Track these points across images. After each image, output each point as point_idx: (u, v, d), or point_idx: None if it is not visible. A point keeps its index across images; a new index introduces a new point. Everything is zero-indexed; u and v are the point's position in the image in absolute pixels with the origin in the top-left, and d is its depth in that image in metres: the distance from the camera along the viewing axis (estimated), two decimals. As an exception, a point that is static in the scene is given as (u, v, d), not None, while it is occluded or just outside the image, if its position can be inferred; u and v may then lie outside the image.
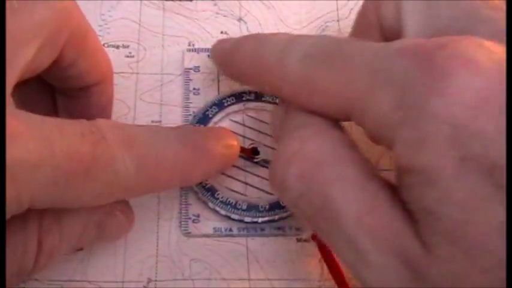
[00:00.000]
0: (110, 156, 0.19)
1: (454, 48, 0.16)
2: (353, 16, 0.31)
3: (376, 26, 0.23)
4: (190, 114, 0.28)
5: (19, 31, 0.19)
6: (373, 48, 0.19)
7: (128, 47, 0.30)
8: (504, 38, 0.18)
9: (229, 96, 0.28)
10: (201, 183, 0.26)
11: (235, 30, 0.31)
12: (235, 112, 0.28)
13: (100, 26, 0.30)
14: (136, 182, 0.20)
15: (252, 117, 0.28)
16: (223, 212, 0.25)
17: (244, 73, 0.24)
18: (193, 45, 0.30)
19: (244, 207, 0.25)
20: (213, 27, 0.31)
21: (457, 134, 0.15)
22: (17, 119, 0.17)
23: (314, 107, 0.20)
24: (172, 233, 0.26)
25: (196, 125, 0.27)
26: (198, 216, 0.26)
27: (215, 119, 0.28)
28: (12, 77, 0.19)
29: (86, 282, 0.24)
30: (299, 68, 0.20)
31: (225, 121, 0.28)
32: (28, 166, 0.17)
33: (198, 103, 0.28)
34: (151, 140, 0.21)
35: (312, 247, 0.26)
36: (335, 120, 0.20)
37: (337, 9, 0.32)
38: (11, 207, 0.17)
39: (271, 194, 0.26)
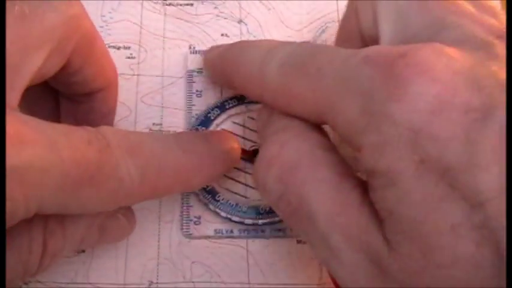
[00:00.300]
0: (115, 164, 0.19)
1: (412, 56, 0.17)
2: None
3: (357, 33, 0.24)
4: (192, 116, 0.28)
5: (29, 37, 0.20)
6: (343, 55, 0.19)
7: (128, 48, 0.30)
8: (468, 43, 0.18)
9: (231, 99, 0.28)
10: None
11: (236, 32, 0.31)
12: (237, 114, 0.28)
13: (101, 27, 0.30)
14: (139, 189, 0.20)
15: (253, 119, 0.28)
16: (223, 214, 0.26)
17: (230, 80, 0.25)
18: (194, 47, 0.30)
19: (245, 209, 0.26)
20: (213, 30, 0.31)
21: (414, 138, 0.16)
22: (26, 125, 0.18)
23: (292, 113, 0.21)
24: (174, 236, 0.26)
25: (199, 127, 0.27)
26: (199, 218, 0.26)
27: (217, 121, 0.28)
28: (22, 83, 0.20)
29: (88, 285, 0.24)
30: (277, 76, 0.21)
31: (227, 123, 0.28)
32: (37, 171, 0.17)
33: (201, 105, 0.28)
34: (154, 147, 0.21)
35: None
36: (314, 124, 0.21)
37: (338, 10, 0.32)
38: (19, 213, 0.17)
39: None
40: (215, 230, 0.26)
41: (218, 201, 0.26)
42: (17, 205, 0.17)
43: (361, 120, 0.18)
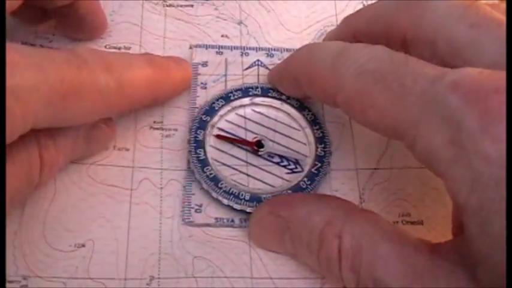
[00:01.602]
0: (94, 78, 0.22)
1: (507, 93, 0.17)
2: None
3: (383, 32, 0.24)
4: (196, 107, 0.28)
5: None
6: (429, 76, 0.19)
7: (129, 49, 0.30)
8: None
9: (236, 91, 0.29)
10: (205, 172, 0.26)
11: (236, 34, 0.31)
12: (242, 106, 0.29)
13: (102, 27, 0.30)
14: (117, 99, 0.23)
15: (257, 111, 0.29)
16: (225, 202, 0.25)
17: (298, 83, 0.26)
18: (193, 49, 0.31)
19: (247, 197, 0.25)
20: (213, 31, 0.31)
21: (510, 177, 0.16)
22: (16, 52, 0.20)
23: (366, 121, 0.22)
24: (175, 231, 0.25)
25: (203, 116, 0.28)
26: (201, 205, 0.26)
27: (221, 112, 0.28)
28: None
29: (89, 280, 0.24)
30: (354, 81, 0.21)
31: (231, 114, 0.28)
32: (29, 89, 0.19)
33: (205, 97, 0.29)
34: (126, 63, 0.24)
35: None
36: (352, 206, 0.23)
37: (336, 14, 0.33)
38: (18, 126, 0.20)
39: (273, 186, 0.27)
40: (216, 219, 0.26)
41: (221, 188, 0.26)
42: (15, 120, 0.19)
43: (447, 150, 0.18)
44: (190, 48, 0.31)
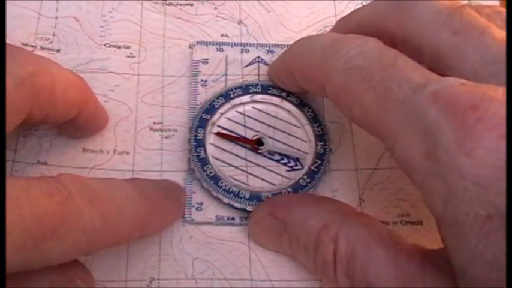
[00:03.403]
0: (78, 214, 0.19)
1: (485, 111, 0.17)
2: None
3: (373, 34, 0.23)
4: (197, 105, 0.28)
5: None
6: (413, 82, 0.19)
7: (129, 47, 0.30)
8: None
9: (236, 88, 0.29)
10: (205, 171, 0.26)
11: (236, 33, 0.31)
12: (242, 104, 0.29)
13: (101, 26, 0.30)
14: (101, 237, 0.20)
15: (257, 109, 0.29)
16: (226, 201, 0.26)
17: (292, 75, 0.26)
18: (193, 47, 0.30)
19: (247, 196, 0.26)
20: (213, 30, 0.31)
21: (483, 192, 0.16)
22: None
23: (351, 116, 0.22)
24: (175, 232, 0.26)
25: (203, 115, 0.27)
26: (201, 204, 0.26)
27: (221, 110, 0.28)
28: None
29: (89, 282, 0.24)
30: (342, 75, 0.21)
31: (231, 112, 0.28)
32: None
33: (205, 95, 0.29)
34: (114, 195, 0.21)
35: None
36: (348, 210, 0.24)
37: (336, 15, 0.33)
38: None
39: (273, 184, 0.27)
40: (216, 217, 0.26)
41: (221, 187, 0.26)
42: None
43: (423, 162, 0.18)
44: (190, 47, 0.30)
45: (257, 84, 0.29)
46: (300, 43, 0.26)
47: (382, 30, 0.24)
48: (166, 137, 0.28)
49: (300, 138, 0.28)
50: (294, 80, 0.26)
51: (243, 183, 0.27)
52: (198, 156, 0.26)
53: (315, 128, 0.28)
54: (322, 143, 0.27)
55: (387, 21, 0.24)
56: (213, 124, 0.28)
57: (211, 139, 0.27)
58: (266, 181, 0.27)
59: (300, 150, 0.28)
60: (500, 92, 0.17)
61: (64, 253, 0.19)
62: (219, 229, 0.26)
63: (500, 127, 0.17)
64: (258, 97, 0.28)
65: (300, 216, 0.23)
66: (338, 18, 0.32)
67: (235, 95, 0.28)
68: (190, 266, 0.25)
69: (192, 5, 0.32)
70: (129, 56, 0.30)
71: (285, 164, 0.27)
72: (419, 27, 0.22)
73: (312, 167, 0.27)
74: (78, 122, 0.26)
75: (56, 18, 0.30)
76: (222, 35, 0.31)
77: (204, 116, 0.28)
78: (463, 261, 0.17)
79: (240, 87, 0.29)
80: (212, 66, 0.30)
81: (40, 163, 0.27)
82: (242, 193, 0.26)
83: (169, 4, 0.32)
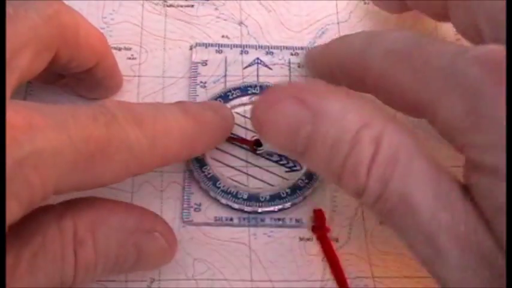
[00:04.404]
0: (124, 135, 0.20)
1: None
2: (353, 19, 0.32)
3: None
4: None
5: (14, 37, 0.20)
6: (452, 51, 0.20)
7: (130, 49, 0.30)
8: None
9: (234, 89, 0.29)
10: (203, 172, 0.26)
11: (237, 34, 0.31)
12: (241, 105, 0.29)
13: (102, 28, 0.30)
14: (149, 156, 0.21)
15: None
16: (224, 201, 0.26)
17: (330, 69, 0.26)
18: (197, 42, 0.30)
19: (245, 196, 0.26)
20: (214, 31, 0.31)
21: None
22: (33, 111, 0.18)
23: (391, 100, 0.22)
24: (176, 233, 0.25)
25: None
26: (200, 205, 0.26)
27: None
28: (11, 82, 0.20)
29: (91, 282, 0.24)
30: (381, 62, 0.22)
31: None
32: (50, 154, 0.18)
33: (205, 96, 0.29)
34: (158, 115, 0.21)
35: (315, 246, 0.26)
36: (391, 115, 0.21)
37: (337, 12, 0.32)
38: (37, 196, 0.18)
39: (272, 185, 0.27)
40: (215, 218, 0.26)
41: (219, 188, 0.26)
42: (34, 189, 0.17)
43: (467, 119, 0.18)
44: (191, 49, 0.30)
45: (256, 86, 0.29)
46: (338, 39, 0.26)
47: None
48: (167, 138, 0.28)
49: None
50: (333, 77, 0.26)
51: (242, 184, 0.27)
52: (196, 157, 0.26)
53: None
54: None
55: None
56: None
57: None
58: (265, 182, 0.27)
59: None
60: None
61: (114, 173, 0.20)
62: (220, 230, 0.26)
63: None
64: (257, 98, 0.28)
65: (336, 107, 0.20)
66: (339, 16, 0.32)
67: (234, 96, 0.28)
68: (190, 266, 0.25)
69: (192, 6, 0.32)
70: (129, 58, 0.30)
71: (283, 164, 0.27)
72: None
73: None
74: (98, 73, 0.26)
75: (57, 19, 0.30)
76: (222, 36, 0.31)
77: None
78: (500, 199, 0.17)
79: (239, 88, 0.29)
80: (211, 67, 0.30)
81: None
82: (240, 194, 0.26)
83: (170, 5, 0.32)
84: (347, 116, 0.19)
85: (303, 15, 0.32)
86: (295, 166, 0.27)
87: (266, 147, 0.27)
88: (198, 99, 0.29)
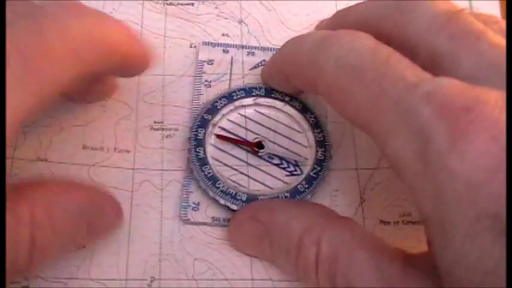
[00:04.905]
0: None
1: (478, 113, 0.17)
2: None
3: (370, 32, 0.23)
4: (199, 106, 0.28)
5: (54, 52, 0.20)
6: (406, 81, 0.19)
7: (129, 48, 0.30)
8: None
9: (239, 90, 0.28)
10: (203, 171, 0.26)
11: (237, 33, 0.31)
12: (244, 106, 0.28)
13: (102, 27, 0.30)
14: None
15: (259, 112, 0.28)
16: (222, 202, 0.25)
17: (285, 72, 0.26)
18: (194, 46, 0.30)
19: (244, 198, 0.25)
20: (214, 30, 0.31)
21: (473, 194, 0.16)
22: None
23: (344, 113, 0.22)
24: (176, 232, 0.26)
25: (205, 115, 0.27)
26: (198, 204, 0.26)
27: (223, 111, 0.28)
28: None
29: (90, 281, 0.24)
30: (334, 71, 0.21)
31: (233, 114, 0.28)
32: None
33: (208, 95, 0.29)
34: None
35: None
36: (331, 213, 0.24)
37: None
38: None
39: (271, 188, 0.27)
40: (213, 218, 0.26)
41: (218, 188, 0.26)
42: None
43: (415, 163, 0.18)
44: (191, 47, 0.30)
45: (261, 88, 0.29)
46: (290, 42, 0.26)
47: (379, 29, 0.23)
48: (166, 136, 0.28)
49: (301, 143, 0.28)
50: (286, 80, 0.26)
51: (241, 185, 0.26)
52: (197, 156, 0.26)
53: (316, 134, 0.28)
54: (323, 149, 0.27)
55: (385, 20, 0.23)
56: (214, 125, 0.28)
57: (211, 140, 0.27)
58: (264, 184, 0.27)
59: (299, 155, 0.27)
60: (493, 94, 0.17)
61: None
62: (220, 229, 0.26)
63: (493, 129, 0.17)
64: (261, 100, 0.28)
65: (282, 219, 0.23)
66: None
67: (238, 97, 0.28)
68: (191, 266, 0.25)
69: (192, 4, 0.32)
70: (129, 57, 0.30)
71: (284, 168, 0.27)
72: (417, 30, 0.22)
73: (311, 173, 0.27)
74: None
75: (57, 18, 0.30)
76: (222, 35, 0.31)
77: (205, 116, 0.27)
78: (448, 262, 0.17)
79: (244, 89, 0.28)
80: (217, 67, 0.30)
81: (40, 160, 0.26)
82: (239, 195, 0.26)
83: (170, 4, 0.32)
84: (291, 224, 0.23)
85: (303, 14, 0.32)
86: (295, 170, 0.27)
87: (268, 149, 0.27)
88: (202, 98, 0.28)
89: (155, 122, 0.28)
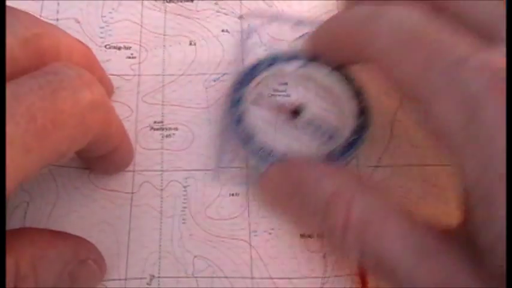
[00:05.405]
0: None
1: None
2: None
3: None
4: (240, 68, 0.29)
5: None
6: (456, 54, 0.19)
7: (129, 48, 0.30)
8: None
9: (281, 55, 0.28)
10: (238, 129, 0.26)
11: (237, 29, 0.31)
12: (285, 72, 0.28)
13: (101, 27, 0.30)
14: None
15: (300, 78, 0.29)
16: (255, 160, 0.26)
17: (331, 40, 0.26)
18: (194, 44, 0.30)
19: (278, 157, 0.25)
20: (214, 26, 0.31)
21: None
22: None
23: (389, 77, 0.22)
24: (176, 230, 0.26)
25: (245, 77, 0.28)
26: (232, 161, 0.27)
27: (264, 74, 0.28)
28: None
29: (90, 281, 0.24)
30: (387, 37, 0.21)
31: (273, 79, 0.29)
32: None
33: (250, 60, 0.29)
34: None
35: (316, 243, 0.26)
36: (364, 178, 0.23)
37: (337, 9, 0.32)
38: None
39: (306, 153, 0.27)
40: (246, 176, 0.27)
41: (251, 148, 0.26)
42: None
43: (463, 131, 0.18)
44: (190, 44, 0.30)
45: (303, 56, 0.28)
46: (339, 12, 0.26)
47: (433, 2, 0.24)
48: (166, 136, 0.28)
49: (340, 111, 0.28)
50: (332, 50, 0.26)
51: (275, 149, 0.26)
52: (233, 114, 0.27)
53: (357, 103, 0.27)
54: (362, 118, 0.27)
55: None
56: (253, 87, 0.28)
57: (249, 101, 0.28)
58: (300, 149, 0.27)
59: (337, 124, 0.27)
60: None
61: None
62: (220, 226, 0.26)
63: None
64: (302, 67, 0.28)
65: (313, 177, 0.23)
66: (340, 10, 0.32)
67: (280, 62, 0.28)
68: (190, 264, 0.25)
69: (192, 1, 0.32)
70: (129, 57, 0.30)
71: (321, 135, 0.27)
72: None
73: (349, 140, 0.26)
74: (108, 159, 0.25)
75: (57, 20, 0.30)
76: (222, 31, 0.31)
77: (245, 77, 0.28)
78: (491, 237, 0.17)
79: (286, 55, 0.28)
80: (260, 36, 0.30)
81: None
82: (273, 155, 0.25)
83: (170, 1, 0.32)
84: (322, 183, 0.22)
85: (304, 11, 0.32)
86: (332, 138, 0.27)
87: (306, 116, 0.27)
88: (243, 63, 0.30)
89: (155, 122, 0.28)
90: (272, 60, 0.28)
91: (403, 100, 0.26)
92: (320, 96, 0.28)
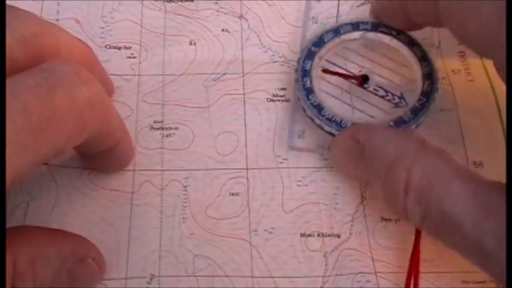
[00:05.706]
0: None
1: None
2: (354, 13, 0.31)
3: None
4: (307, 39, 0.29)
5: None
6: None
7: (129, 48, 0.30)
8: None
9: (346, 24, 0.29)
10: (309, 100, 0.27)
11: (237, 28, 0.31)
12: (350, 40, 0.29)
13: (102, 28, 0.30)
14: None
15: (365, 46, 0.29)
16: (327, 129, 0.26)
17: (398, 3, 0.26)
18: (194, 43, 0.30)
19: (349, 125, 0.26)
20: (214, 25, 0.31)
21: None
22: None
23: (464, 32, 0.22)
24: (176, 229, 0.26)
25: (312, 48, 0.28)
26: (303, 132, 0.28)
27: (330, 44, 0.29)
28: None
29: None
30: None
31: (339, 47, 0.29)
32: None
33: (315, 31, 0.30)
34: None
35: (316, 242, 0.26)
36: (426, 142, 0.23)
37: (338, 6, 0.32)
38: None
39: (375, 117, 0.27)
40: (318, 145, 0.27)
41: (324, 115, 0.26)
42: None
43: None
44: (190, 44, 0.30)
45: (367, 22, 0.29)
46: None
47: None
48: (166, 136, 0.28)
49: (407, 76, 0.28)
50: (400, 11, 0.26)
51: (345, 116, 0.27)
52: (303, 85, 0.27)
53: (423, 67, 0.27)
54: (429, 82, 0.27)
55: None
56: (321, 58, 0.28)
57: (317, 71, 0.28)
58: (369, 115, 0.27)
59: (405, 88, 0.28)
60: None
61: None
62: (220, 225, 0.26)
63: None
64: (367, 34, 0.29)
65: (378, 141, 0.24)
66: (340, 9, 0.32)
67: (345, 31, 0.29)
68: (191, 263, 0.25)
69: (192, 0, 0.32)
70: (129, 57, 0.30)
71: (389, 100, 0.27)
72: None
73: (417, 104, 0.26)
74: (113, 153, 0.25)
75: (57, 20, 0.31)
76: (222, 30, 0.31)
77: (312, 48, 0.28)
78: None
79: (350, 23, 0.29)
80: (324, 5, 0.31)
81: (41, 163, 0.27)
82: (344, 122, 0.26)
83: (170, 1, 0.32)
84: (385, 146, 0.23)
85: (303, 9, 0.32)
86: (401, 102, 0.27)
87: (373, 82, 0.28)
88: (308, 35, 0.30)
89: (155, 122, 0.28)
90: (336, 30, 0.29)
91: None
92: (388, 59, 0.29)
